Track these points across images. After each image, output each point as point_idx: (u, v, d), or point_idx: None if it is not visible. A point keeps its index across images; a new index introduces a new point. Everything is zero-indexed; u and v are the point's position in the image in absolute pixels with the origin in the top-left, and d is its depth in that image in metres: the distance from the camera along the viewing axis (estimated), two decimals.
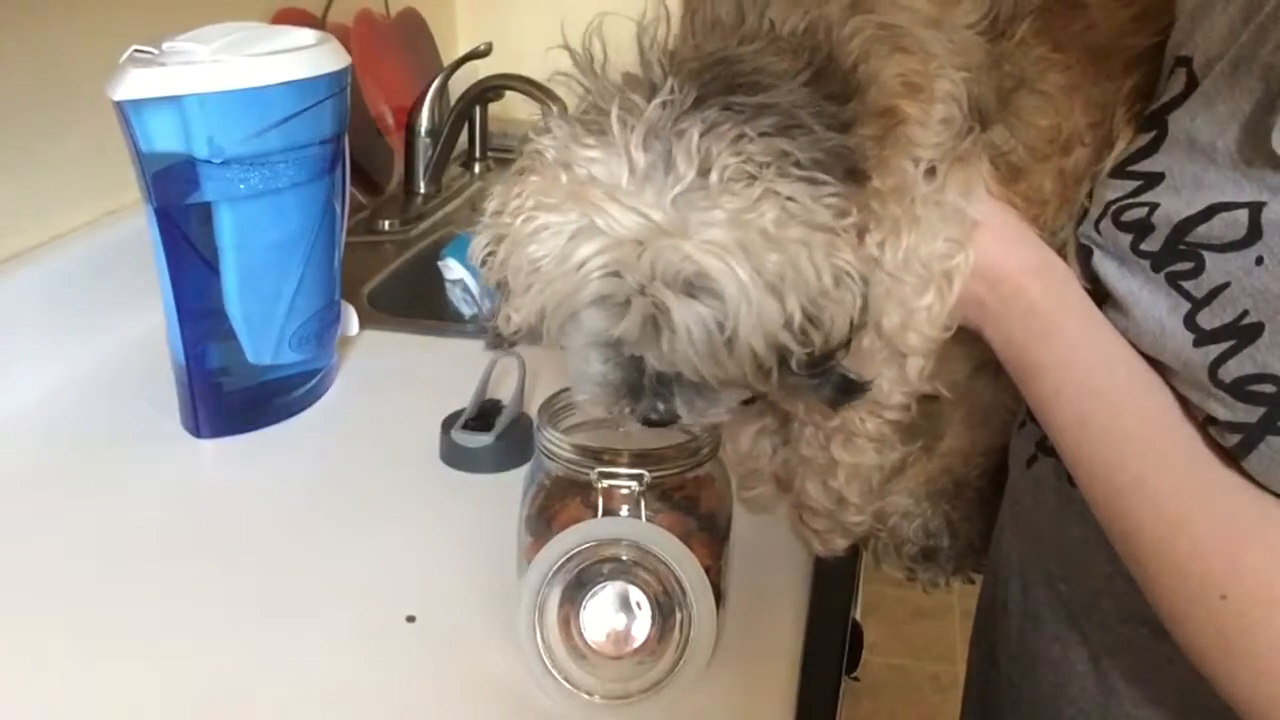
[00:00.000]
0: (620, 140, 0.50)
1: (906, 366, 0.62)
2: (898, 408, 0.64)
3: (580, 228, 0.50)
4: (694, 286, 0.50)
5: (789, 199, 0.50)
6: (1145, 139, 0.57)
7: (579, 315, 0.52)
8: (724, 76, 0.52)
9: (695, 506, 0.65)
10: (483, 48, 1.45)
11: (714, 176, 0.49)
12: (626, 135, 0.50)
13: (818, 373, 0.56)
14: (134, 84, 0.78)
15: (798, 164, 0.51)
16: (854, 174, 0.54)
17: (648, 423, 0.59)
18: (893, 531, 0.80)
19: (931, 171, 0.58)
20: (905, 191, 0.58)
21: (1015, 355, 0.59)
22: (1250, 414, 0.48)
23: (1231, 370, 0.49)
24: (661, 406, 0.58)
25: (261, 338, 0.90)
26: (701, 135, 0.50)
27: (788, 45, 0.55)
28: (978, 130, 0.59)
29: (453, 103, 1.49)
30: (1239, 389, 0.49)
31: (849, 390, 0.58)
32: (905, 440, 0.67)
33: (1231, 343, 0.49)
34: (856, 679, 1.11)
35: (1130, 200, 0.56)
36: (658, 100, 0.51)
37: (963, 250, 0.59)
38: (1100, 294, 0.58)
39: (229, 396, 0.90)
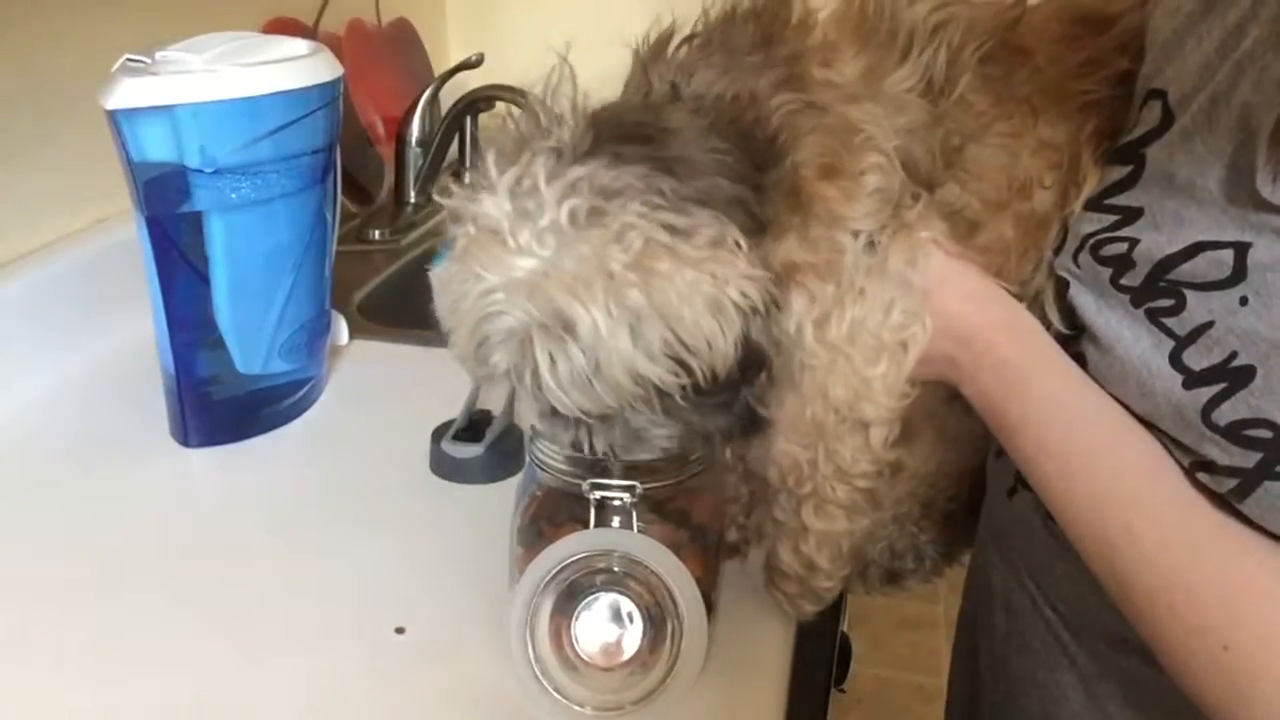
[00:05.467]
0: (500, 191, 0.54)
1: (870, 436, 0.62)
2: (864, 475, 0.64)
3: (473, 274, 0.54)
4: (556, 324, 0.52)
5: (660, 229, 0.52)
6: (1122, 172, 0.57)
7: (480, 354, 0.55)
8: (621, 126, 0.55)
9: (687, 518, 0.65)
10: (474, 58, 1.46)
11: (567, 215, 0.52)
12: (502, 186, 0.54)
13: (716, 404, 0.56)
14: (126, 93, 0.78)
15: (667, 197, 0.52)
16: (754, 219, 0.55)
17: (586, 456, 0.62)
18: (857, 555, 0.80)
19: (872, 243, 0.58)
20: (838, 265, 0.58)
21: (991, 411, 0.58)
22: (1247, 459, 0.48)
23: (1225, 414, 0.49)
24: (583, 440, 0.60)
25: (251, 347, 0.90)
26: (575, 181, 0.52)
27: (697, 106, 0.56)
28: (925, 195, 0.59)
29: (444, 113, 1.49)
30: (1234, 433, 0.48)
31: (752, 424, 0.59)
32: (876, 508, 0.67)
33: (1223, 385, 0.49)
34: (844, 690, 1.11)
35: (1109, 234, 0.56)
36: (542, 147, 0.54)
37: (918, 320, 0.59)
38: (1078, 331, 0.58)
39: (218, 406, 0.90)
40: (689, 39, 0.59)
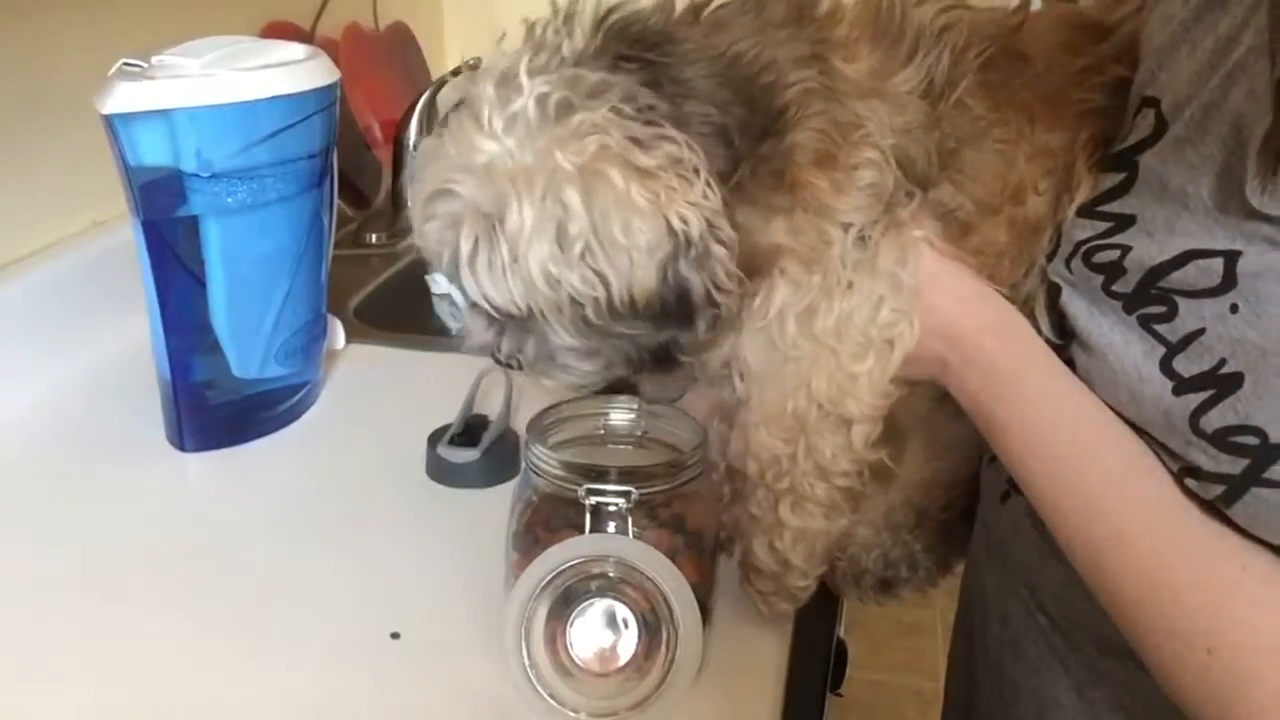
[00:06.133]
0: (491, 77, 0.55)
1: (852, 433, 0.62)
2: (845, 474, 0.63)
3: (444, 151, 0.55)
4: (493, 211, 0.53)
5: (620, 136, 0.52)
6: (1115, 179, 0.57)
7: (423, 229, 0.57)
8: (629, 33, 0.55)
9: (682, 523, 0.65)
10: (472, 62, 1.46)
11: (535, 106, 0.53)
12: (495, 72, 0.55)
13: (628, 332, 0.56)
14: (123, 97, 0.78)
15: (642, 109, 0.53)
16: (731, 156, 0.55)
17: (497, 361, 0.63)
18: (852, 561, 0.79)
19: (863, 238, 0.58)
20: (823, 255, 0.58)
21: (981, 413, 0.58)
22: (1234, 465, 0.48)
23: (1213, 420, 0.49)
24: (495, 342, 0.61)
25: (247, 351, 0.90)
26: (557, 77, 0.53)
27: (717, 49, 0.56)
28: (919, 193, 0.59)
29: (441, 117, 1.49)
30: (1221, 439, 0.48)
31: (664, 362, 0.59)
32: (855, 508, 0.66)
33: (1211, 392, 0.49)
34: (840, 695, 1.11)
35: (1101, 241, 0.56)
36: (546, 45, 0.55)
37: (906, 318, 0.59)
38: (1067, 339, 0.58)
39: (214, 410, 0.90)
40: (726, 4, 0.60)
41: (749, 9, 0.59)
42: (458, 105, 0.56)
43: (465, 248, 0.54)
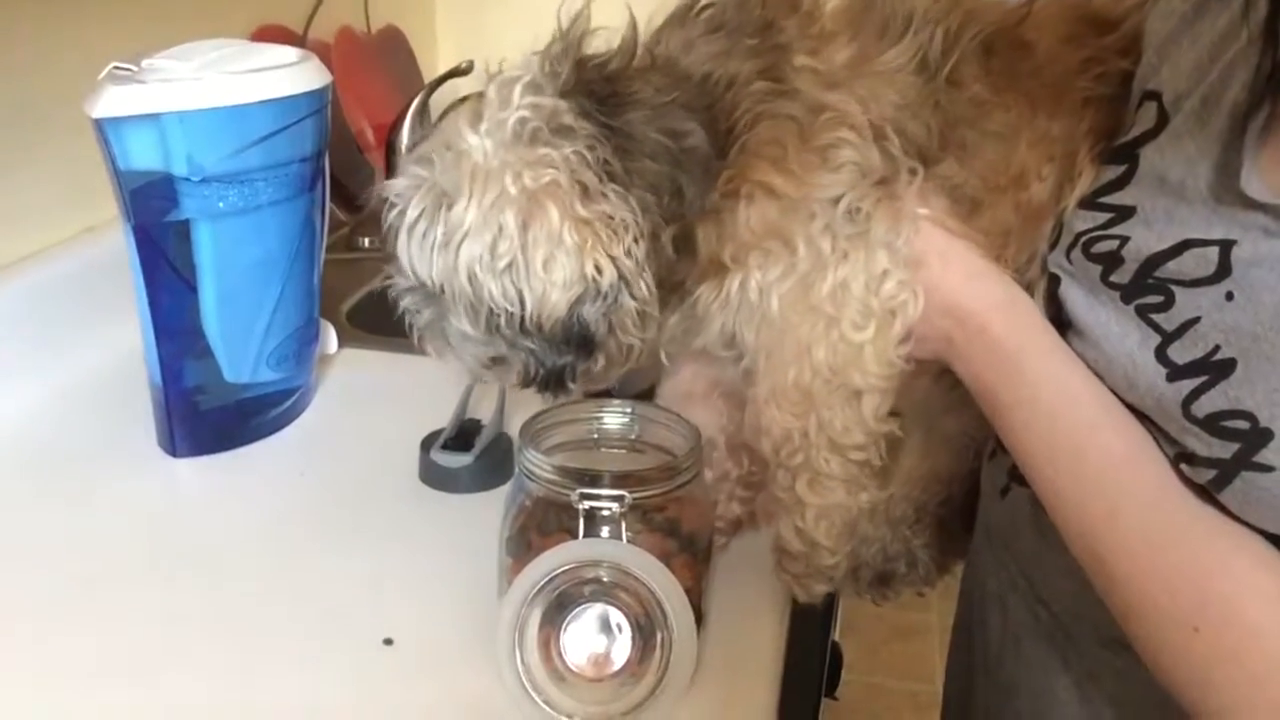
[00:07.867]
0: (500, 82, 0.60)
1: (862, 405, 0.62)
2: (859, 448, 0.63)
3: (447, 127, 0.60)
4: (450, 193, 0.57)
5: (572, 179, 0.56)
6: (1116, 172, 0.57)
7: (392, 181, 0.61)
8: (592, 83, 0.59)
9: (676, 528, 0.65)
10: (464, 66, 1.45)
11: (515, 123, 0.57)
12: (505, 80, 0.60)
13: (528, 346, 0.60)
14: (113, 101, 0.78)
15: (600, 162, 0.57)
16: (671, 207, 0.59)
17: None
18: (850, 554, 0.80)
19: (851, 212, 0.59)
20: (799, 234, 0.60)
21: (984, 391, 0.59)
22: (1225, 450, 0.49)
23: (1204, 406, 0.49)
24: (401, 301, 0.65)
25: (239, 356, 0.89)
26: (540, 103, 0.57)
27: (680, 77, 0.59)
28: (921, 169, 0.60)
29: (434, 121, 1.49)
30: (1212, 424, 0.49)
31: (553, 381, 0.62)
32: (883, 484, 0.66)
33: (1204, 378, 0.49)
34: (836, 699, 1.11)
35: (1101, 232, 0.56)
36: (548, 72, 0.59)
37: (909, 288, 0.60)
38: (1065, 325, 0.59)
39: (205, 415, 0.89)
40: (706, 7, 0.62)
41: (724, 23, 0.60)
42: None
43: (411, 213, 0.59)
